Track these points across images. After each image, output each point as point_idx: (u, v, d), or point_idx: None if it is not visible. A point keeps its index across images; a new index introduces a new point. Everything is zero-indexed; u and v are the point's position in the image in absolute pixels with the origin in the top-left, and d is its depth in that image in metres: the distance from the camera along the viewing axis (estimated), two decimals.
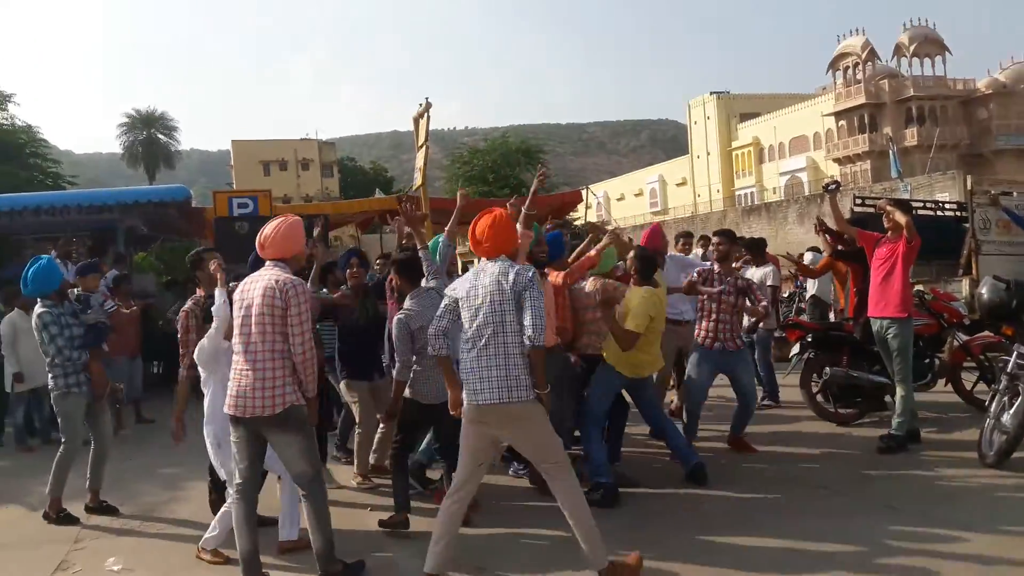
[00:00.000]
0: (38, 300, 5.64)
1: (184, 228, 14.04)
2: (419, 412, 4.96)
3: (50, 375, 5.58)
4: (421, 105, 11.41)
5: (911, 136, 48.69)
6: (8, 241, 12.27)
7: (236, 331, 4.09)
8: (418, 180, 11.46)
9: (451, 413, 4.12)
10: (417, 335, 4.83)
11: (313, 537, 4.11)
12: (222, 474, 4.77)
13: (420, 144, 11.59)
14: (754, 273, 8.16)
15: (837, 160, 53.12)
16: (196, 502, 5.90)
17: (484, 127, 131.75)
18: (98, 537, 5.26)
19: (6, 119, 21.51)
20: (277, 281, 3.98)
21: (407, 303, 5.04)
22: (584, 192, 18.26)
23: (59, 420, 5.70)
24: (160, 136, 62.37)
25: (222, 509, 4.62)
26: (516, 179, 34.69)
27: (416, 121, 11.69)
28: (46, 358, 5.57)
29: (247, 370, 3.98)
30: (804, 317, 9.44)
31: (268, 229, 4.15)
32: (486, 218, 4.07)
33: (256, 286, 4.04)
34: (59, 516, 5.51)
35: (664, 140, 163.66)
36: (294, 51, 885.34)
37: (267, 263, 4.15)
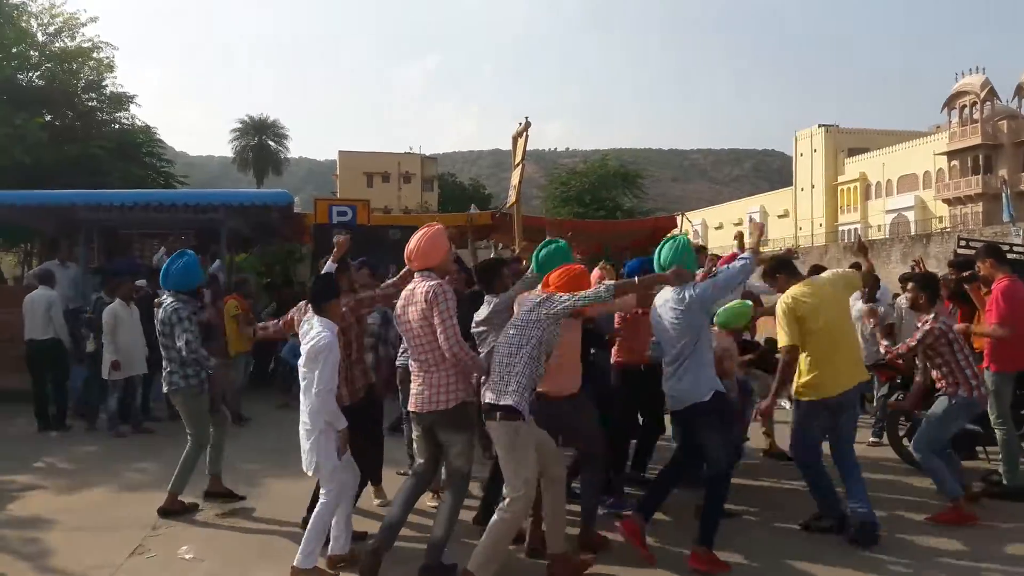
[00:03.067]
0: (167, 294, 5.71)
1: (285, 232, 14.46)
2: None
3: (172, 372, 5.59)
4: (521, 124, 11.43)
5: None
6: (117, 235, 12.88)
7: (406, 340, 4.51)
8: (512, 198, 11.46)
9: None
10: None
11: (436, 526, 4.30)
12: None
13: (517, 162, 11.60)
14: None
15: (947, 200, 50.76)
16: (271, 498, 6.00)
17: (585, 149, 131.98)
18: (173, 526, 5.39)
19: (127, 119, 22.71)
20: (424, 290, 4.29)
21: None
22: (679, 218, 17.91)
23: (188, 418, 5.69)
24: (271, 143, 64.95)
25: (315, 515, 4.45)
26: (612, 202, 34.48)
27: (515, 140, 11.71)
28: (171, 353, 5.58)
29: (418, 374, 4.38)
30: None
31: (412, 243, 4.42)
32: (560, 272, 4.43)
33: (413, 296, 4.37)
34: (174, 510, 5.53)
35: (768, 171, 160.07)
36: (404, 65, 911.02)
37: (416, 275, 4.44)
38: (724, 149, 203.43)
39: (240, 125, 65.03)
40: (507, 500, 4.12)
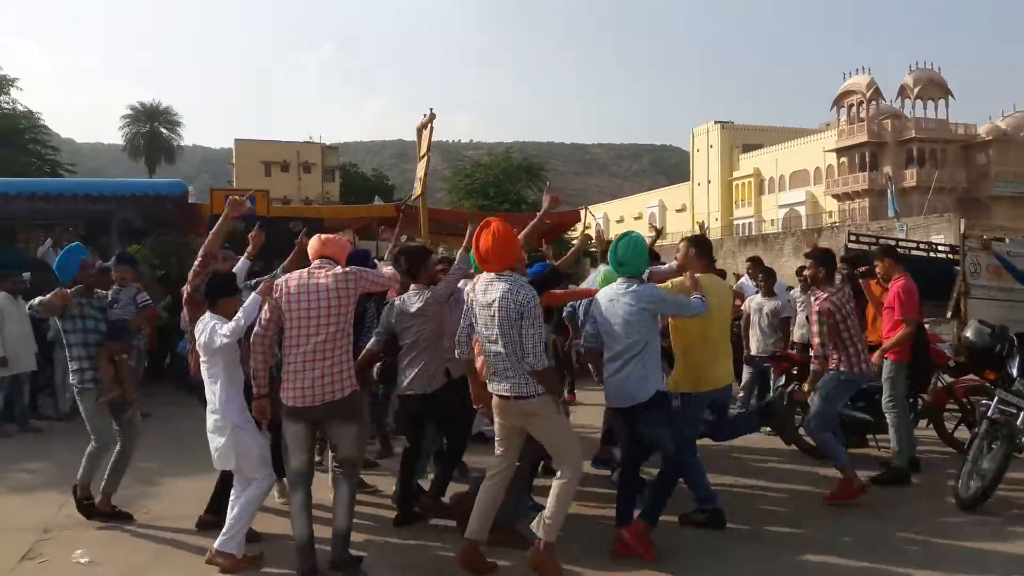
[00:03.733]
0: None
1: (179, 223, 14.02)
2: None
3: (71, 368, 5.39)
4: (425, 115, 11.44)
5: (910, 177, 49.08)
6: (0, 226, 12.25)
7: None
8: (418, 189, 11.47)
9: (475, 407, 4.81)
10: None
11: (339, 520, 4.31)
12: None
13: (422, 154, 11.61)
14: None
15: (836, 196, 53.43)
16: (168, 498, 5.89)
17: (489, 141, 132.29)
18: (67, 528, 5.22)
19: (8, 103, 21.48)
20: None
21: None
22: (583, 212, 18.25)
23: (86, 418, 5.42)
24: (163, 130, 62.40)
25: (245, 499, 4.50)
26: (516, 195, 34.77)
27: (419, 131, 11.71)
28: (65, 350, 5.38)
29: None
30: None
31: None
32: (486, 233, 4.25)
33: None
34: (84, 503, 5.32)
35: (667, 166, 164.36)
36: (302, 52, 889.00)
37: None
38: (624, 144, 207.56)
39: (131, 111, 62.20)
40: (563, 470, 4.31)
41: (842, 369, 5.78)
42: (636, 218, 73.61)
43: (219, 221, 5.01)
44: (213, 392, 4.57)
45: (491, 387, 4.37)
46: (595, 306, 4.81)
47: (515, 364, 4.17)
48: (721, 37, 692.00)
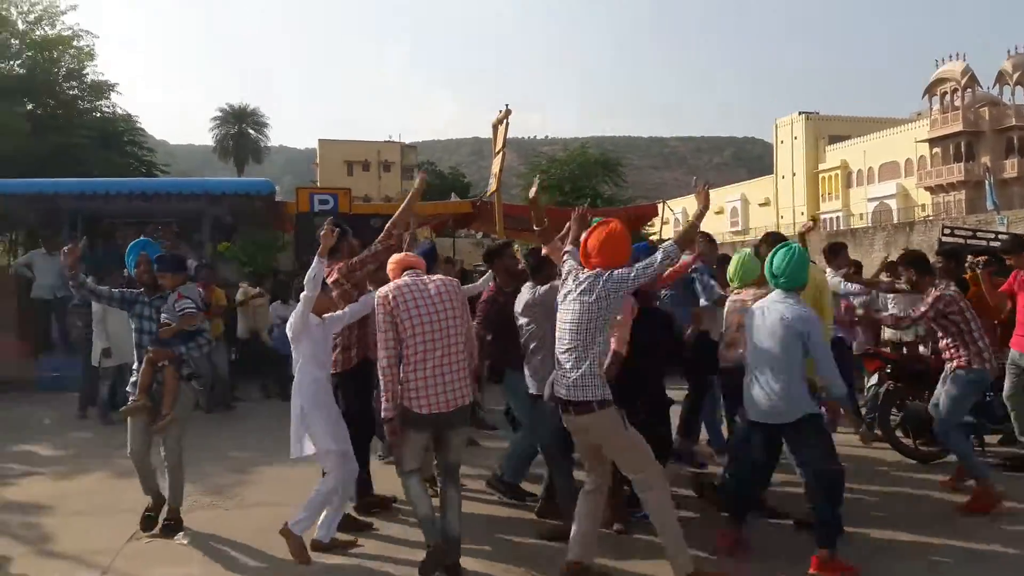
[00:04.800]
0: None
1: (267, 221, 14.52)
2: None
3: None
4: (501, 111, 11.52)
5: (1011, 167, 46.74)
6: (100, 223, 12.91)
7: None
8: (492, 185, 11.57)
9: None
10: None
11: (452, 524, 4.29)
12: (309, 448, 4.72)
13: (497, 150, 11.70)
14: None
15: (929, 188, 51.27)
16: (262, 486, 6.16)
17: (565, 137, 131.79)
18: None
19: (108, 107, 22.55)
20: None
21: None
22: (660, 206, 18.04)
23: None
24: (251, 131, 64.57)
25: (315, 490, 4.65)
26: (592, 190, 34.60)
27: (495, 127, 11.79)
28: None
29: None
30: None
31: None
32: (599, 232, 4.16)
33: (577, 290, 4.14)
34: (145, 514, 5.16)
35: (749, 158, 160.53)
36: (382, 54, 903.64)
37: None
38: (704, 136, 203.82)
39: (220, 114, 64.65)
40: (639, 489, 4.11)
41: (974, 367, 5.41)
42: (717, 212, 72.18)
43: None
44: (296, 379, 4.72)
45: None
46: (748, 315, 4.68)
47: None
48: (803, 24, 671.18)
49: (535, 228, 5.25)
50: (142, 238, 5.62)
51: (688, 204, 73.25)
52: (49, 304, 11.04)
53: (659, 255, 4.06)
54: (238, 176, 54.04)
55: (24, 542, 4.98)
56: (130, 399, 5.08)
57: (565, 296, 4.19)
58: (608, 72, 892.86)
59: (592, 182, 35.76)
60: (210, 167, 74.18)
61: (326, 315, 4.74)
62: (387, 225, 5.20)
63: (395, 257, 4.60)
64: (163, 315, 5.05)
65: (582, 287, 4.08)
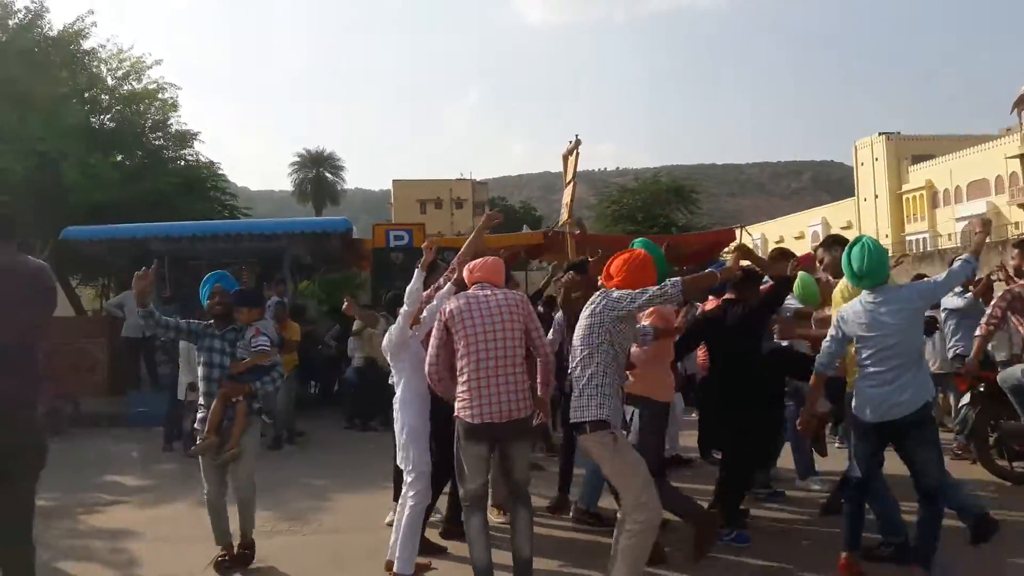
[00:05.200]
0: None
1: (344, 258, 14.85)
2: None
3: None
4: (571, 142, 11.57)
5: None
6: (187, 265, 13.43)
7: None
8: (564, 216, 11.59)
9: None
10: None
11: (522, 546, 4.22)
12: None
13: (568, 180, 11.74)
14: None
15: (1022, 206, 48.92)
16: (339, 512, 6.21)
17: (636, 168, 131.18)
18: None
19: (192, 155, 23.51)
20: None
21: None
22: (738, 232, 17.73)
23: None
24: (327, 175, 66.52)
25: (404, 521, 4.55)
26: (666, 218, 34.29)
27: (565, 158, 11.85)
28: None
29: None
30: None
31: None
32: (623, 256, 4.27)
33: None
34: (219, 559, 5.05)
35: (828, 182, 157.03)
36: (453, 96, 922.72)
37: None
38: (781, 162, 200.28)
39: (298, 159, 66.91)
40: (627, 514, 4.00)
41: None
42: (797, 238, 70.56)
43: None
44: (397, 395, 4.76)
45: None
46: (843, 322, 4.41)
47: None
48: (878, 46, 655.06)
49: (589, 258, 5.46)
50: (218, 271, 5.51)
51: (767, 229, 72.00)
52: (138, 343, 11.49)
53: (658, 288, 4.05)
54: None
55: (112, 567, 5.13)
56: (198, 438, 4.97)
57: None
58: (679, 101, 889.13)
59: (665, 210, 35.46)
60: (289, 210, 76.64)
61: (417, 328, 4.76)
62: (455, 259, 5.18)
63: (474, 264, 4.58)
64: (238, 350, 4.99)
65: (590, 306, 4.20)
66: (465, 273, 4.60)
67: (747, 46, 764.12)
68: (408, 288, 4.67)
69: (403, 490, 4.67)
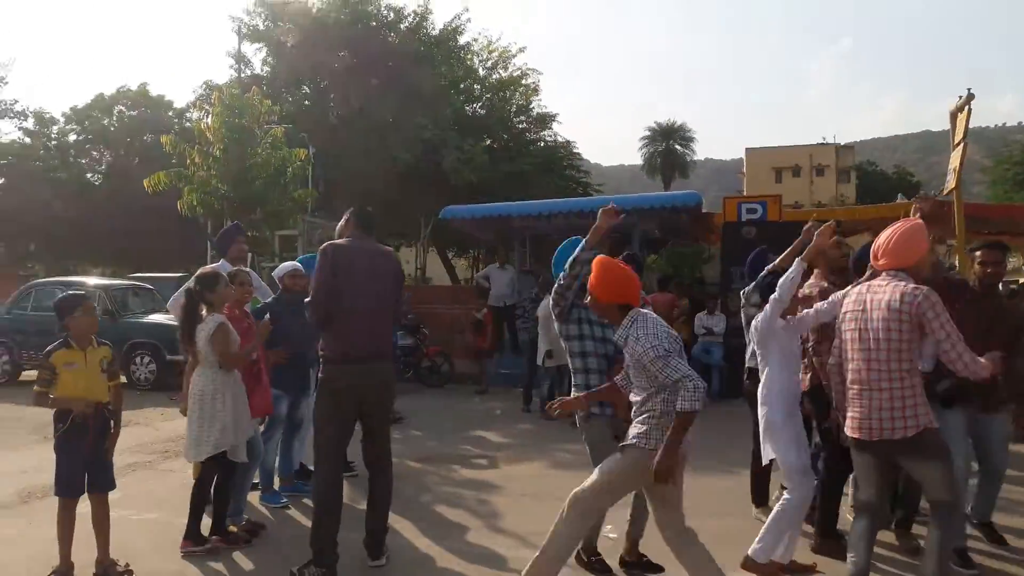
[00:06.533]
0: None
1: (693, 232, 14.66)
2: None
3: None
4: (961, 98, 10.10)
5: None
6: (544, 240, 14.26)
7: (852, 346, 3.90)
8: (951, 182, 10.18)
9: None
10: None
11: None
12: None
13: (957, 142, 10.27)
14: None
15: None
16: None
17: None
18: None
19: (550, 136, 24.96)
20: (901, 293, 3.69)
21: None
22: None
23: None
24: (677, 147, 66.27)
25: (770, 517, 4.39)
26: None
27: (953, 116, 10.37)
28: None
29: (872, 390, 3.77)
30: None
31: (881, 239, 3.88)
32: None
33: (876, 299, 3.79)
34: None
35: None
36: (813, 55, 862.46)
37: (883, 274, 3.87)
38: None
39: (648, 133, 67.53)
40: (572, 502, 3.92)
41: None
42: None
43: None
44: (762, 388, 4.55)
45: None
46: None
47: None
48: None
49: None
50: (574, 237, 5.11)
51: None
52: (501, 311, 12.52)
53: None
54: (665, 191, 55.93)
55: (477, 516, 5.61)
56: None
57: None
58: None
59: None
60: (639, 184, 78.18)
61: (790, 317, 4.46)
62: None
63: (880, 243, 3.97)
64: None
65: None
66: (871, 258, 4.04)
67: None
68: (785, 276, 4.35)
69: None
